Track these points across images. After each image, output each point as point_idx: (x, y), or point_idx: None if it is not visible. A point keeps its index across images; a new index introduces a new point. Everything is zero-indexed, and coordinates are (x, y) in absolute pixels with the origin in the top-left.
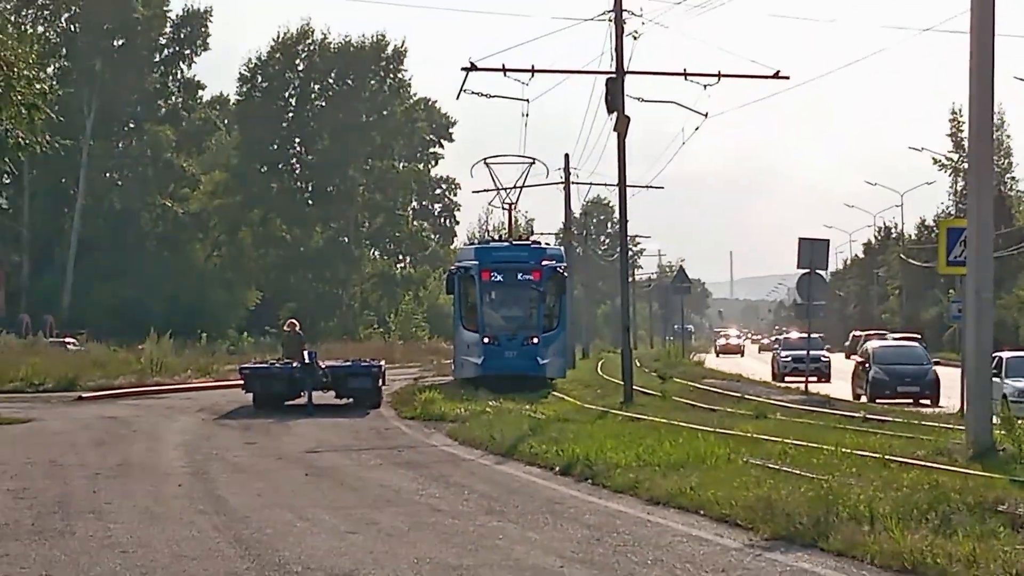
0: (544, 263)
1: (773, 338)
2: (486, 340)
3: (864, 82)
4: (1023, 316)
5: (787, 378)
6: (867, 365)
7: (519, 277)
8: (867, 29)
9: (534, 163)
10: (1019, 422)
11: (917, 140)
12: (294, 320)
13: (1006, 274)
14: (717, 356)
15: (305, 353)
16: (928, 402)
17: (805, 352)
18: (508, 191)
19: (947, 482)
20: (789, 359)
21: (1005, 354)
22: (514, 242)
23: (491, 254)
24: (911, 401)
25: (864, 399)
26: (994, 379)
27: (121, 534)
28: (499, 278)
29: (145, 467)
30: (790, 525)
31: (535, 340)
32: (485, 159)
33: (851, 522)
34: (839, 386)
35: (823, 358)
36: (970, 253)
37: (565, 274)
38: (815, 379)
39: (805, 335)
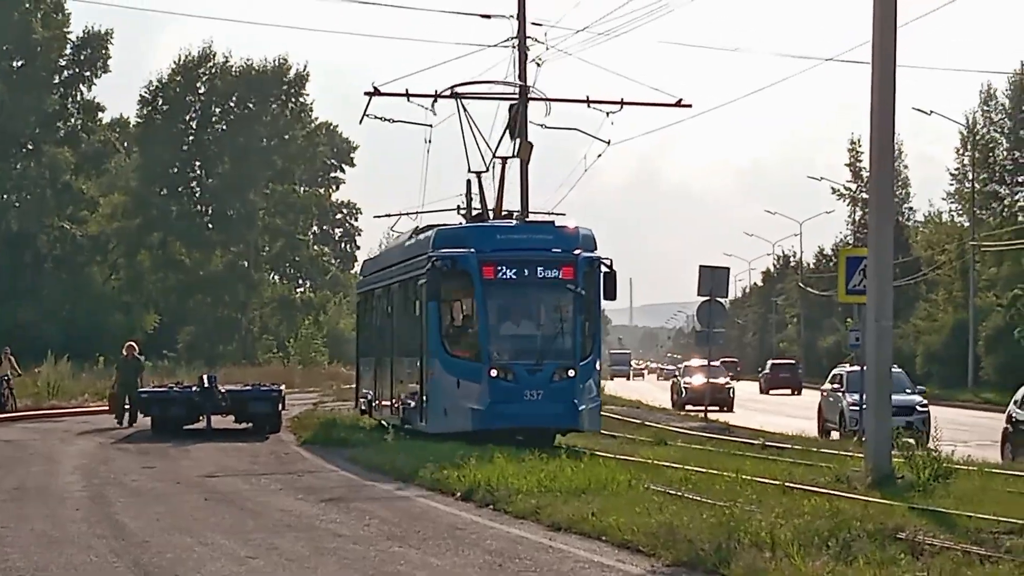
0: (577, 252)
1: (674, 367)
2: (494, 374)
3: (765, 111)
4: (920, 345)
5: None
6: None
7: (543, 273)
8: (769, 58)
9: (527, 93)
10: (917, 451)
11: (816, 170)
12: (132, 343)
13: (903, 303)
14: (679, 408)
15: (205, 377)
16: None
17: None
18: (493, 155)
19: (847, 509)
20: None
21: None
22: (527, 219)
23: (495, 237)
24: None
25: None
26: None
27: (18, 559)
28: (511, 275)
29: (42, 491)
30: (692, 551)
31: (571, 374)
32: (454, 88)
33: (753, 548)
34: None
35: (919, 407)
36: (870, 281)
37: (612, 268)
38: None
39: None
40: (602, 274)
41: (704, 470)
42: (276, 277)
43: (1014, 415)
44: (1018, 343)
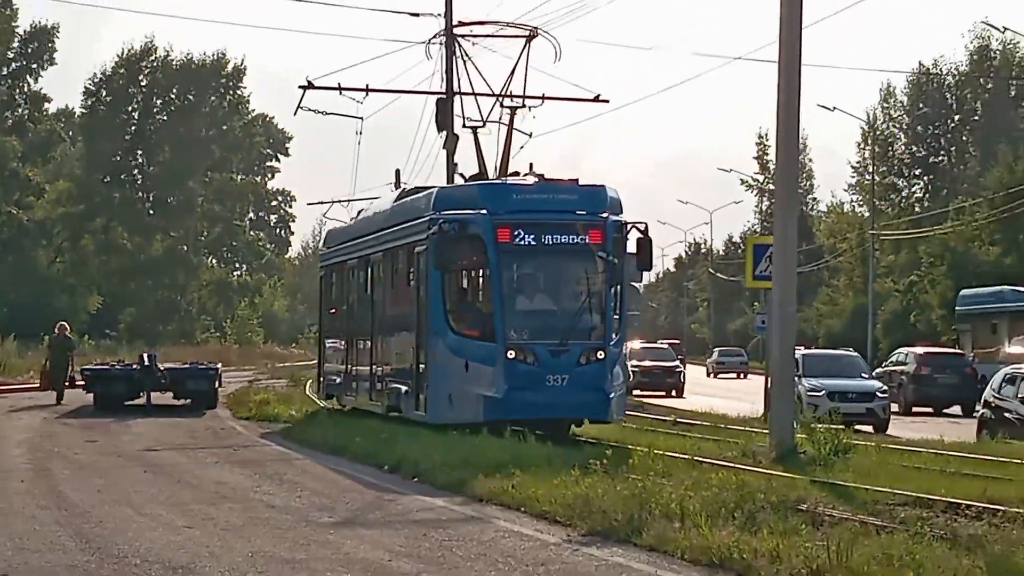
0: (605, 215)
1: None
2: (511, 356)
3: (679, 107)
4: (822, 328)
5: None
6: None
7: (567, 239)
8: (683, 57)
9: (535, 35)
10: (817, 427)
11: (726, 162)
12: (64, 323)
13: (807, 288)
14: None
15: (145, 355)
16: None
17: (854, 381)
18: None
19: (752, 482)
20: None
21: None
22: (547, 178)
23: (510, 196)
24: None
25: None
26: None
27: None
28: (530, 240)
29: None
30: (606, 522)
31: (600, 355)
32: (452, 28)
33: (663, 519)
34: None
35: (879, 393)
36: (775, 268)
37: (647, 234)
38: None
39: None
40: (635, 240)
41: (618, 445)
42: (214, 261)
43: (992, 400)
44: (914, 327)
